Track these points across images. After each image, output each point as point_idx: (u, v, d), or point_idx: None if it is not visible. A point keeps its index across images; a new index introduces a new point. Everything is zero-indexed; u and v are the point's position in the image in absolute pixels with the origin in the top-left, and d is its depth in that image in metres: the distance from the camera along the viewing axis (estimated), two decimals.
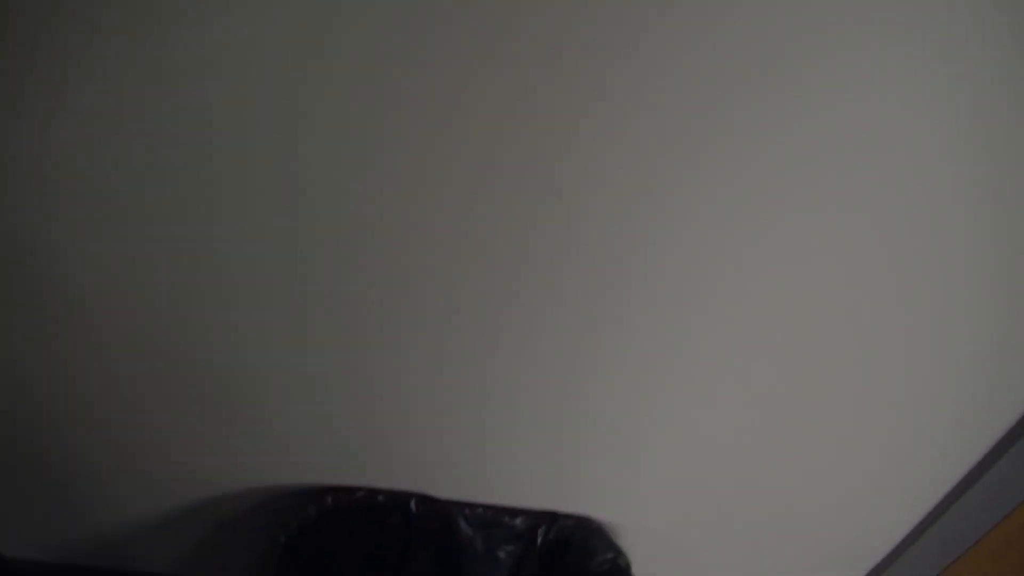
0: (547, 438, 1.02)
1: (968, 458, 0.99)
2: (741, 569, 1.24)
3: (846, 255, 0.78)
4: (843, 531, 1.15)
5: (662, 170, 0.73)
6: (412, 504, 1.08)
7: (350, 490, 1.09)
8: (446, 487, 1.10)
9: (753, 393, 0.94)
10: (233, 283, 0.86)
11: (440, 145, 0.73)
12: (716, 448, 1.02)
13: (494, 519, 1.09)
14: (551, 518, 1.09)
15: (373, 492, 1.09)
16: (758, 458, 1.03)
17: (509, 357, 0.91)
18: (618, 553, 1.07)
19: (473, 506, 1.09)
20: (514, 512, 1.09)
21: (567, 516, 1.10)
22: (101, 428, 1.09)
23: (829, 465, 1.03)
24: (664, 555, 1.19)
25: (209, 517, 1.24)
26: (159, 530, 1.28)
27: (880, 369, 0.89)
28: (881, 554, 1.18)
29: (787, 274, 0.80)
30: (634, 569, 1.11)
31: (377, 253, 0.82)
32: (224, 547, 1.29)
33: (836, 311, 0.83)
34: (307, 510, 1.08)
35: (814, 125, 0.69)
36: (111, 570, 1.38)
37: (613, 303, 0.84)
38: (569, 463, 1.06)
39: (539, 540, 1.09)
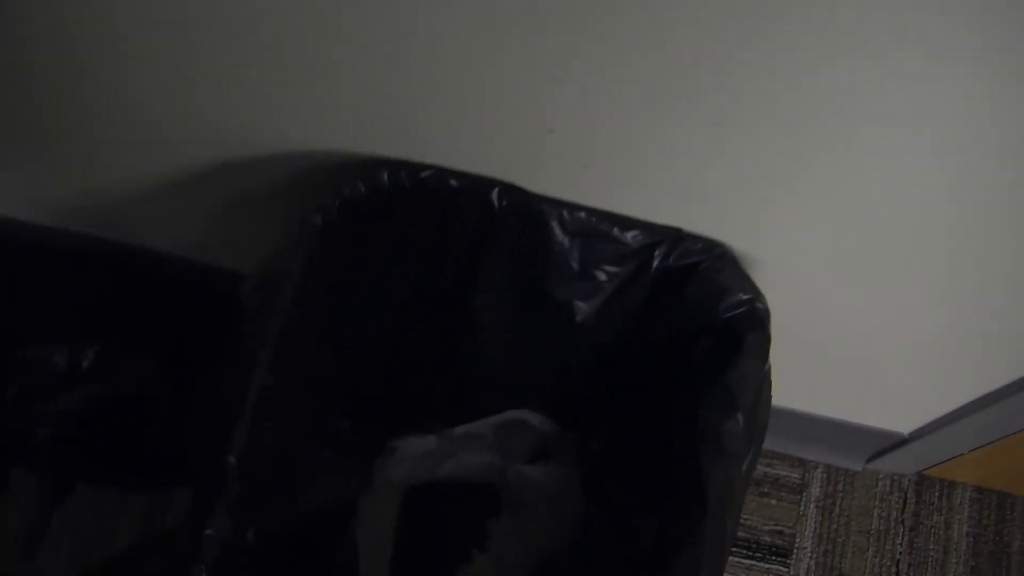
0: (677, 131, 0.77)
1: None
2: (885, 336, 1.02)
3: None
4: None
5: None
6: (494, 195, 0.84)
7: (414, 167, 0.85)
8: (541, 181, 0.85)
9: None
10: None
11: None
12: (895, 189, 0.78)
13: (598, 228, 0.85)
14: (674, 237, 0.85)
15: (444, 173, 0.85)
16: (939, 218, 0.80)
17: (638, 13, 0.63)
18: (756, 295, 0.84)
19: (574, 208, 0.85)
20: (626, 223, 0.85)
21: (695, 237, 0.86)
22: (97, 64, 0.86)
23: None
24: (803, 302, 0.97)
25: (227, 188, 1.03)
26: (167, 201, 1.08)
27: None
28: None
29: None
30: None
31: None
32: (244, 227, 1.08)
33: None
34: (353, 187, 0.84)
35: None
36: (110, 241, 1.18)
37: None
38: (703, 169, 0.81)
39: (655, 263, 0.86)
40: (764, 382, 0.85)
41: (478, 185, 0.85)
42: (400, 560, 1.16)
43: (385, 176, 0.85)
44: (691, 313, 0.87)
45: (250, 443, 0.79)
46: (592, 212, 0.86)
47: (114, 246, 1.21)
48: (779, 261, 0.91)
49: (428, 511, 1.19)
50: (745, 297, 0.85)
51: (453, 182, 0.85)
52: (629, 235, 0.86)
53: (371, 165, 0.87)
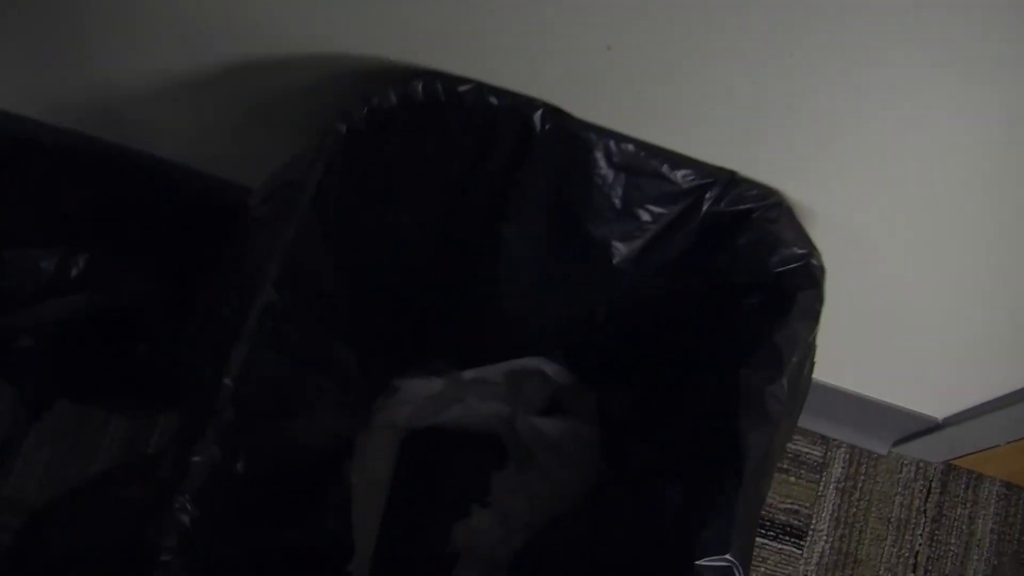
0: (749, 57, 0.70)
1: None
2: (936, 315, 0.97)
3: None
4: None
5: None
6: (537, 117, 0.78)
7: (451, 80, 0.78)
8: (589, 106, 0.79)
9: None
10: None
11: None
12: (969, 156, 0.72)
13: (647, 164, 0.79)
14: (728, 180, 0.79)
15: (484, 89, 0.79)
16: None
17: None
18: (812, 251, 0.78)
19: (622, 139, 0.78)
20: (677, 160, 0.79)
21: (750, 182, 0.79)
22: None
23: None
24: (852, 266, 0.91)
25: (241, 92, 0.96)
26: (175, 103, 1.01)
27: None
28: None
29: None
30: None
31: None
32: (256, 138, 1.02)
33: None
34: (384, 96, 0.78)
35: None
36: (111, 144, 1.12)
37: None
38: (770, 106, 0.74)
39: (705, 207, 0.80)
40: (811, 346, 0.79)
41: (519, 105, 0.78)
42: (394, 507, 1.11)
43: (420, 87, 0.78)
44: (740, 264, 0.80)
45: (248, 365, 0.73)
46: (641, 145, 0.80)
47: (115, 149, 1.14)
48: (835, 218, 0.85)
49: (428, 458, 1.14)
50: (800, 252, 0.79)
51: (493, 100, 0.78)
52: (679, 174, 0.80)
53: (404, 74, 0.80)
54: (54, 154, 1.15)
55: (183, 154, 1.14)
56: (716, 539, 0.71)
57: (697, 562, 0.71)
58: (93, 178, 1.15)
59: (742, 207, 0.80)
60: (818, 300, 0.79)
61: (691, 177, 0.80)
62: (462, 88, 0.78)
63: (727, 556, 0.71)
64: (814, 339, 0.80)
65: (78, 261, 1.10)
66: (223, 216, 0.91)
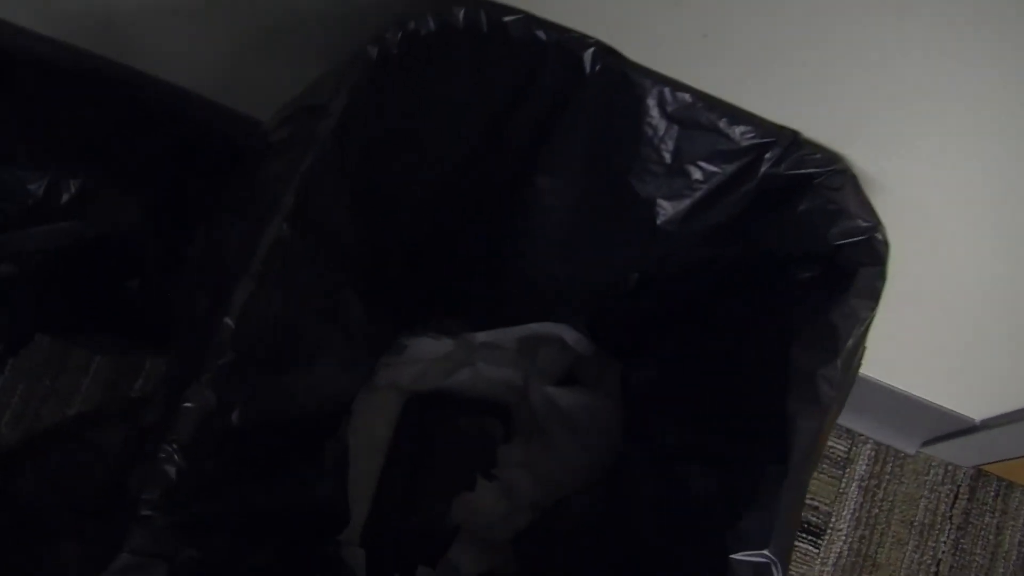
0: (822, 13, 0.64)
1: None
2: (994, 310, 0.92)
3: None
4: None
5: None
6: (587, 56, 0.73)
7: (496, 8, 0.73)
8: (646, 48, 0.74)
9: None
10: None
11: None
12: None
13: (704, 116, 0.74)
14: (790, 141, 0.73)
15: (532, 21, 0.74)
16: None
17: None
18: (877, 224, 0.72)
19: (679, 87, 0.72)
20: (737, 115, 0.73)
21: (815, 146, 0.73)
22: None
23: None
24: (913, 247, 0.84)
25: (261, 14, 0.91)
26: (187, 23, 0.96)
27: None
28: None
29: None
30: None
31: None
32: (276, 60, 0.97)
33: None
34: (421, 20, 0.72)
35: None
36: (115, 64, 1.07)
37: None
38: (849, 59, 0.69)
39: (763, 168, 0.74)
40: (867, 329, 0.74)
41: (570, 41, 0.73)
42: (391, 474, 1.06)
43: (461, 14, 0.72)
44: (796, 234, 0.75)
45: (251, 306, 0.67)
46: (700, 96, 0.74)
47: (117, 68, 1.08)
48: (897, 193, 0.80)
49: (431, 424, 1.08)
50: (865, 224, 0.73)
51: (540, 33, 0.72)
52: (738, 130, 0.74)
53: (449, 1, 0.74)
54: (50, 69, 1.09)
55: (190, 78, 1.08)
56: (755, 532, 0.66)
57: (732, 556, 0.66)
58: (91, 98, 1.08)
59: (803, 171, 0.75)
60: (880, 278, 0.73)
61: (750, 135, 0.74)
62: (507, 18, 0.73)
63: (766, 552, 0.66)
64: (871, 321, 0.75)
65: (69, 186, 1.04)
66: (228, 148, 0.85)
